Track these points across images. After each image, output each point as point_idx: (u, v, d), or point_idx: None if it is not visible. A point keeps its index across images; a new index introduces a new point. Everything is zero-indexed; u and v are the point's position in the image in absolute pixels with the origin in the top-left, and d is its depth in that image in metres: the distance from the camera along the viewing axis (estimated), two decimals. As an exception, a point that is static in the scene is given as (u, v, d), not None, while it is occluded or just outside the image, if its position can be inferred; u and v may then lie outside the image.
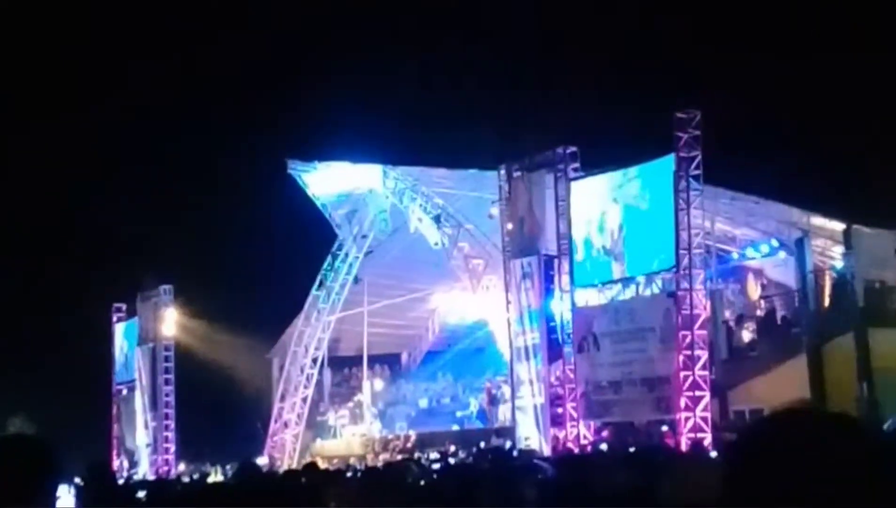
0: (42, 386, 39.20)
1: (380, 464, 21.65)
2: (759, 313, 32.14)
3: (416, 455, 32.18)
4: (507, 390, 33.00)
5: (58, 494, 3.68)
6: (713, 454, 18.30)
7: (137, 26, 44.87)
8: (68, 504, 9.57)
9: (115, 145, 45.34)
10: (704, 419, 24.53)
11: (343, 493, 7.77)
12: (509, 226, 29.92)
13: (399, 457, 32.10)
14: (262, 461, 36.74)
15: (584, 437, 27.11)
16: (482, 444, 30.84)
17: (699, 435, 24.00)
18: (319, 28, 45.20)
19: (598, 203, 27.36)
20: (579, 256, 27.72)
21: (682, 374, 24.62)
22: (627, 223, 26.57)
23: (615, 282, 27.24)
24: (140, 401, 40.15)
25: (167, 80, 46.23)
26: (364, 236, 39.70)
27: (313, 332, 41.26)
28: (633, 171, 26.79)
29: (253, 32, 46.15)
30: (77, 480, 11.02)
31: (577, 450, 25.60)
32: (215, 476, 32.32)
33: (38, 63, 44.20)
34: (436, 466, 20.22)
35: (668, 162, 25.28)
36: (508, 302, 29.71)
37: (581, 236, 27.65)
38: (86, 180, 44.71)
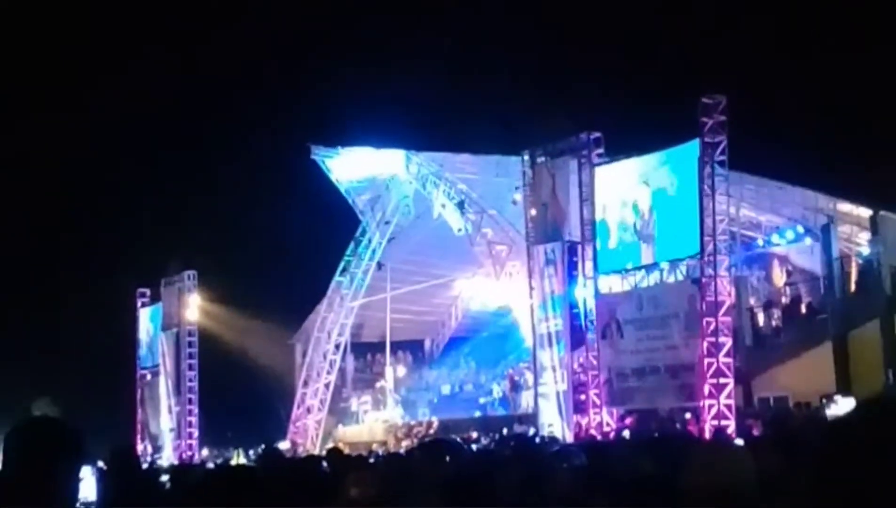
0: (67, 370, 39.40)
1: (402, 450, 21.63)
2: (784, 300, 31.95)
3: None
4: (529, 376, 32.95)
5: (81, 476, 3.66)
6: (738, 441, 18.22)
7: (167, 9, 44.91)
8: (91, 486, 9.57)
9: (142, 130, 45.40)
10: (728, 407, 24.39)
11: (366, 478, 7.72)
12: (532, 212, 29.81)
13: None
14: (284, 446, 36.81)
15: (607, 424, 27.00)
16: (504, 430, 30.79)
17: (723, 423, 23.88)
18: (345, 13, 45.16)
19: (627, 187, 27.18)
20: (612, 241, 27.53)
21: (706, 361, 24.48)
22: (657, 208, 26.41)
23: (639, 269, 27.10)
24: (164, 386, 40.28)
25: (194, 64, 46.26)
26: (387, 222, 39.68)
27: (336, 318, 41.30)
28: (658, 156, 26.64)
29: (280, 17, 46.12)
30: (100, 464, 11.04)
31: (599, 437, 25.51)
32: (238, 461, 32.38)
33: (71, 40, 44.25)
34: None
35: (692, 147, 25.11)
36: (532, 288, 29.62)
37: (615, 220, 27.43)
38: (111, 165, 44.82)
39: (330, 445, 33.27)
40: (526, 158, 30.03)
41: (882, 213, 28.50)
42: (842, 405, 21.07)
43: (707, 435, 22.84)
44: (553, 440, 23.24)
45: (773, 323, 30.64)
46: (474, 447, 23.76)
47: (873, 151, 32.47)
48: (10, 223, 42.31)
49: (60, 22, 43.78)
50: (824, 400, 23.53)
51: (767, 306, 31.25)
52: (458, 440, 26.60)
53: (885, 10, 33.91)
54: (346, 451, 17.31)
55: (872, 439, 2.15)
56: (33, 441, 3.54)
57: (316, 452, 33.88)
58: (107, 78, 45.59)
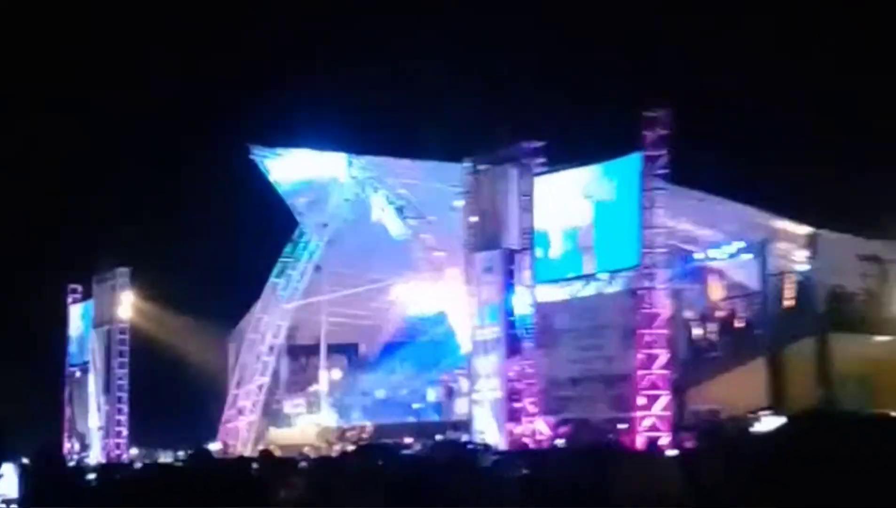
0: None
1: (334, 454, 21.45)
2: (720, 314, 32.09)
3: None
4: (464, 383, 32.85)
5: (2, 473, 3.45)
6: (672, 452, 18.21)
7: (108, 16, 44.34)
8: (12, 484, 9.30)
9: (76, 126, 44.74)
10: (662, 419, 24.45)
11: (295, 481, 7.55)
12: (472, 219, 29.74)
13: (352, 448, 31.88)
14: (215, 447, 36.37)
15: (541, 433, 26.96)
16: (438, 437, 30.64)
17: (656, 434, 23.91)
18: (287, 16, 44.84)
19: (567, 198, 27.18)
20: (554, 250, 27.49)
21: (640, 373, 24.55)
22: (597, 219, 26.43)
23: (578, 278, 27.10)
24: (93, 384, 39.72)
25: (134, 60, 45.72)
26: (325, 225, 39.38)
27: (271, 319, 40.91)
28: (599, 167, 26.67)
29: (220, 20, 45.72)
30: (24, 460, 10.74)
31: (532, 445, 25.48)
32: (166, 461, 31.95)
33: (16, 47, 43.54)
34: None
35: (634, 160, 25.19)
36: (469, 295, 29.52)
37: (559, 229, 27.40)
38: (45, 160, 44.13)
39: (261, 447, 32.93)
40: (467, 165, 29.95)
41: (819, 232, 28.75)
42: (767, 423, 21.19)
43: (640, 446, 22.88)
44: (486, 447, 23.15)
45: (709, 337, 30.77)
46: (407, 452, 23.59)
47: (812, 170, 32.80)
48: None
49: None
50: (750, 415, 23.68)
51: (703, 319, 31.39)
52: (392, 444, 26.48)
53: (828, 27, 34.31)
54: (278, 454, 17.08)
55: (805, 451, 2.12)
56: None
57: (247, 454, 33.51)
58: (46, 74, 44.93)
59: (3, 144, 43.83)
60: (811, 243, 28.88)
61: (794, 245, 31.71)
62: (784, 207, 31.91)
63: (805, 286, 28.58)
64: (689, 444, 23.23)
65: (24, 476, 9.21)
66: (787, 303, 29.05)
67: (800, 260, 31.03)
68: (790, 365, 26.52)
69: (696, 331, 30.82)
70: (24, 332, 40.27)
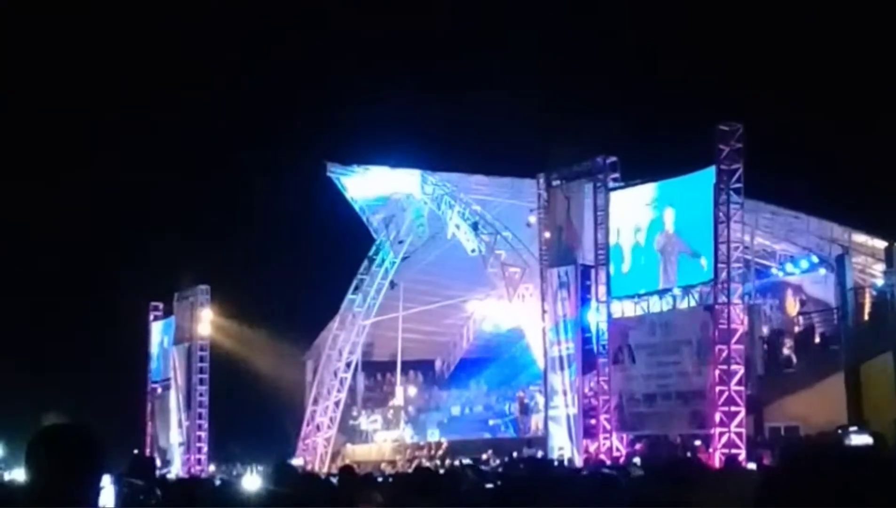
0: (78, 383, 39.44)
1: (410, 469, 21.60)
2: (797, 329, 31.81)
3: (448, 461, 32.14)
4: (539, 399, 32.91)
5: (102, 485, 3.70)
6: (750, 466, 18.18)
7: (189, 29, 45.12)
8: (110, 495, 9.59)
9: (157, 146, 45.60)
10: (739, 435, 24.32)
11: (376, 496, 7.76)
12: (547, 235, 29.83)
13: (428, 464, 32.07)
14: (296, 462, 36.76)
15: (617, 449, 26.93)
16: (514, 453, 30.72)
17: (733, 451, 23.78)
18: (363, 34, 45.35)
19: (644, 211, 27.18)
20: (626, 265, 27.52)
21: (717, 388, 24.42)
22: (681, 230, 26.36)
23: (652, 294, 27.06)
24: (174, 400, 40.33)
25: (213, 81, 46.49)
26: (401, 241, 39.75)
27: (348, 336, 41.31)
28: (674, 182, 26.64)
29: (298, 38, 46.33)
30: (117, 473, 11.07)
31: (609, 462, 25.45)
32: (250, 477, 32.34)
33: (95, 59, 44.51)
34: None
35: (708, 174, 25.11)
36: (544, 311, 29.61)
37: (629, 244, 27.44)
38: (129, 181, 45.00)
39: (339, 463, 33.25)
40: (541, 180, 30.07)
41: (897, 244, 28.40)
42: (856, 440, 20.89)
43: (717, 463, 22.78)
44: (568, 462, 23.19)
45: (786, 352, 30.52)
46: (484, 468, 23.69)
47: (888, 183, 32.41)
48: (29, 238, 42.55)
49: (82, 42, 44.07)
50: (840, 431, 23.40)
51: (780, 334, 31.14)
52: (470, 461, 26.59)
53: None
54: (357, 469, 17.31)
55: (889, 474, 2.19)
56: (58, 450, 3.58)
57: (325, 470, 33.88)
58: (127, 95, 45.87)
59: (87, 164, 44.80)
60: (889, 256, 28.54)
61: (871, 259, 31.40)
62: (860, 220, 31.60)
63: (883, 300, 28.25)
64: (767, 461, 23.12)
65: (120, 487, 9.49)
66: (865, 318, 28.73)
67: (877, 274, 30.71)
68: (868, 381, 26.20)
69: (773, 347, 30.58)
70: (108, 350, 41.07)
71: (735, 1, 40.43)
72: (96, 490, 3.65)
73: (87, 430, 3.72)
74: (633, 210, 27.44)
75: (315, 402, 41.37)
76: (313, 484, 7.55)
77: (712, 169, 24.94)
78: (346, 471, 10.04)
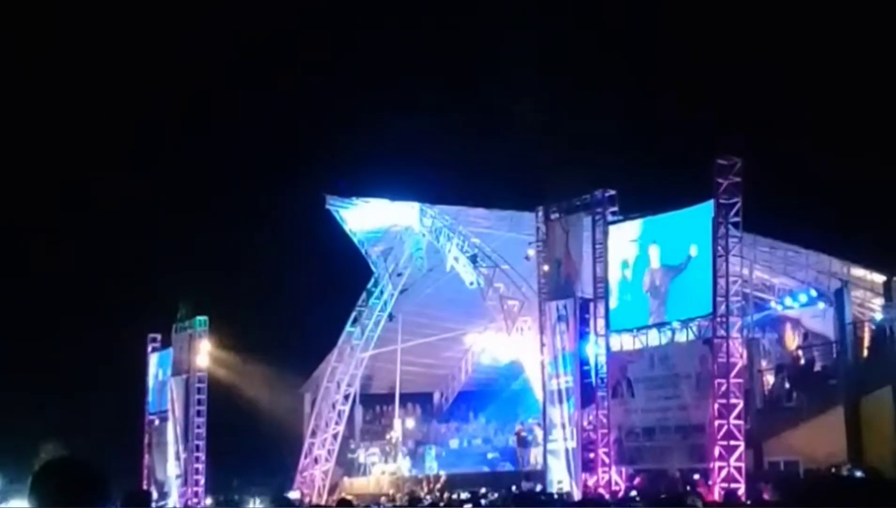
0: (76, 414, 39.34)
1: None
2: (796, 363, 31.81)
3: (446, 495, 32.04)
4: (538, 432, 32.82)
5: None
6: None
7: (187, 67, 45.31)
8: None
9: (157, 177, 45.66)
10: (738, 469, 24.25)
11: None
12: (545, 268, 29.84)
13: (429, 498, 31.97)
14: (293, 495, 36.63)
15: (616, 483, 26.84)
16: (513, 487, 30.62)
17: (732, 485, 23.71)
18: (362, 67, 45.51)
19: (631, 246, 27.29)
20: (613, 300, 27.61)
21: (716, 422, 24.38)
22: (668, 266, 26.47)
23: (650, 327, 27.07)
24: (172, 432, 40.18)
25: (211, 110, 46.61)
26: (399, 274, 39.73)
27: (346, 368, 41.24)
28: (672, 215, 26.70)
29: (300, 68, 46.49)
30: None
31: (608, 496, 25.36)
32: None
33: (78, 106, 44.67)
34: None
35: (707, 208, 25.16)
36: (543, 344, 29.58)
37: (615, 279, 27.56)
38: (125, 211, 45.05)
39: (336, 496, 33.15)
40: (540, 213, 30.11)
41: (896, 279, 28.44)
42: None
43: (717, 497, 22.71)
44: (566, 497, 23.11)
45: (785, 386, 30.49)
46: (483, 501, 23.63)
47: (887, 218, 32.48)
48: (28, 268, 42.55)
49: (76, 68, 44.23)
50: (833, 470, 23.36)
51: (779, 369, 31.12)
52: (467, 494, 26.52)
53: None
54: (355, 503, 17.27)
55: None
56: (63, 483, 3.57)
57: (323, 502, 33.75)
58: (127, 125, 45.96)
59: (86, 194, 44.87)
60: (887, 290, 28.55)
61: (870, 293, 31.41)
62: (859, 254, 31.64)
63: (882, 334, 28.24)
64: (766, 496, 23.06)
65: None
66: (865, 352, 28.71)
67: (876, 308, 30.71)
68: (868, 415, 26.14)
69: (772, 381, 30.55)
70: (106, 381, 40.97)
71: (734, 36, 40.56)
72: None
73: (91, 464, 3.71)
74: (620, 246, 27.53)
75: (313, 434, 41.24)
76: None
77: (710, 203, 24.99)
78: (344, 504, 10.01)
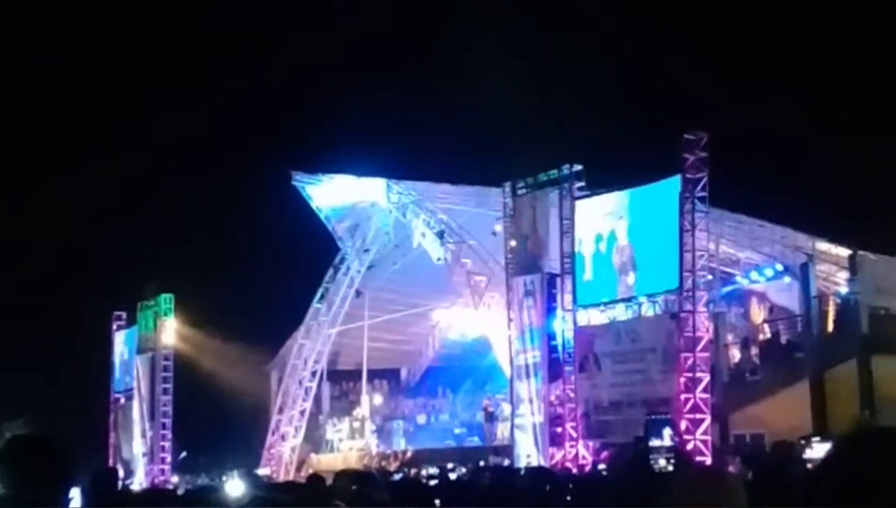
0: (40, 393, 39.05)
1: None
2: (762, 337, 32.01)
3: (414, 470, 32.05)
4: (505, 407, 32.91)
5: (70, 496, 3.63)
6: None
7: (150, 44, 44.96)
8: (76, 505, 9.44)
9: (119, 155, 45.28)
10: (705, 443, 24.41)
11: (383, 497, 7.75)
12: (513, 243, 29.86)
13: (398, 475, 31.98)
14: (262, 472, 36.56)
15: (583, 457, 26.97)
16: (480, 462, 30.67)
17: (699, 458, 23.86)
18: (326, 43, 45.23)
19: (605, 221, 27.33)
20: (588, 273, 27.64)
21: (682, 396, 24.52)
22: (636, 241, 26.55)
23: (617, 302, 27.16)
24: (138, 410, 40.01)
25: (176, 87, 46.27)
26: (366, 250, 39.65)
27: (313, 345, 41.16)
28: (639, 190, 26.75)
29: (261, 47, 46.21)
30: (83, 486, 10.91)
31: (575, 470, 25.47)
32: (233, 483, 32.06)
33: (40, 89, 44.24)
34: (433, 482, 20.08)
35: (673, 183, 25.22)
36: (510, 320, 29.62)
37: (590, 252, 27.58)
38: (90, 188, 44.66)
39: (304, 472, 33.11)
40: (507, 189, 30.09)
41: (861, 253, 28.64)
42: (818, 450, 21.00)
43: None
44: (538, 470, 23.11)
45: (751, 360, 30.69)
46: (451, 476, 23.63)
47: (853, 192, 32.71)
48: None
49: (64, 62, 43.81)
50: (802, 441, 23.52)
51: (745, 342, 31.31)
52: (435, 469, 26.52)
53: (868, 51, 34.24)
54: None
55: (853, 481, 2.18)
56: (27, 462, 3.51)
57: (291, 479, 33.63)
58: (90, 104, 45.56)
59: (50, 172, 44.48)
60: (852, 264, 28.76)
61: (835, 267, 31.61)
62: (824, 228, 31.83)
63: (847, 308, 28.46)
64: (732, 468, 23.19)
65: (87, 499, 9.35)
66: (830, 325, 28.93)
67: (841, 282, 30.92)
68: (833, 388, 26.38)
69: (738, 354, 30.74)
70: (70, 359, 40.70)
71: (699, 9, 40.59)
72: (66, 503, 3.58)
73: (56, 442, 3.65)
74: (594, 219, 27.60)
75: (280, 411, 41.18)
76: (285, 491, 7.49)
77: (677, 178, 25.05)
78: (314, 480, 9.96)
